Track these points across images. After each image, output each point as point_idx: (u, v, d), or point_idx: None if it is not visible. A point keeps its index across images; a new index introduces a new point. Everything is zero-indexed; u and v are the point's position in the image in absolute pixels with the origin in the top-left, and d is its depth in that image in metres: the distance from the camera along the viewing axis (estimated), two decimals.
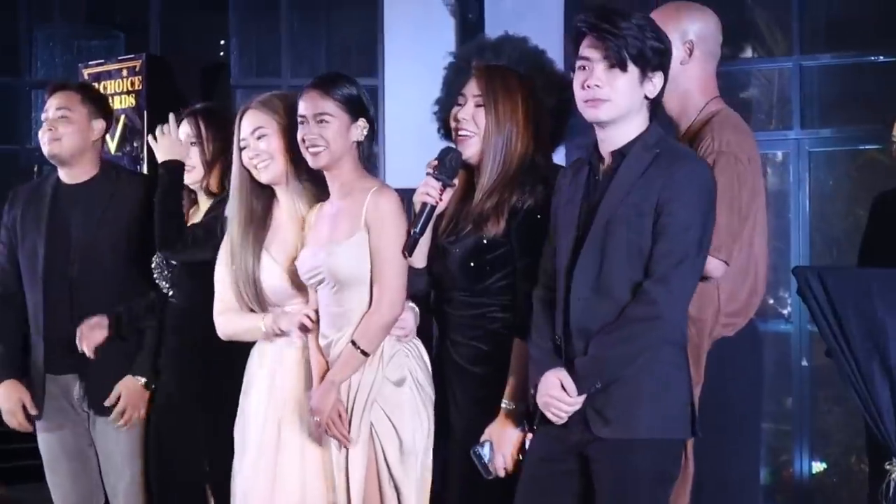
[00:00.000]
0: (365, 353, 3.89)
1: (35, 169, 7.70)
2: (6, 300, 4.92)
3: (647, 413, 3.43)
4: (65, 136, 4.85)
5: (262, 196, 4.22)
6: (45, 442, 4.93)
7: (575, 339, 3.49)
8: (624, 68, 3.44)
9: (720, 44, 4.11)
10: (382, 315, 3.88)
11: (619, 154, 3.52)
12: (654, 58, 3.47)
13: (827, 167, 7.59)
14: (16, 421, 4.86)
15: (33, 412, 4.83)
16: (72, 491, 4.92)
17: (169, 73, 6.41)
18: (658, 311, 3.38)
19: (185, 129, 4.72)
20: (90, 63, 6.46)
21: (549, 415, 3.49)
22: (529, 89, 3.94)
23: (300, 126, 3.99)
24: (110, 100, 6.13)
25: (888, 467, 3.69)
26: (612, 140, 3.54)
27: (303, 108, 3.98)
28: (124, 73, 6.16)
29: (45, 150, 4.90)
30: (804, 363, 7.28)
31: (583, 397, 3.44)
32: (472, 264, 3.84)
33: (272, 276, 4.14)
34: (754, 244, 3.95)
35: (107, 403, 4.72)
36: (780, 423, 7.58)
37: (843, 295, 3.58)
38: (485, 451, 3.77)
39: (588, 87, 3.48)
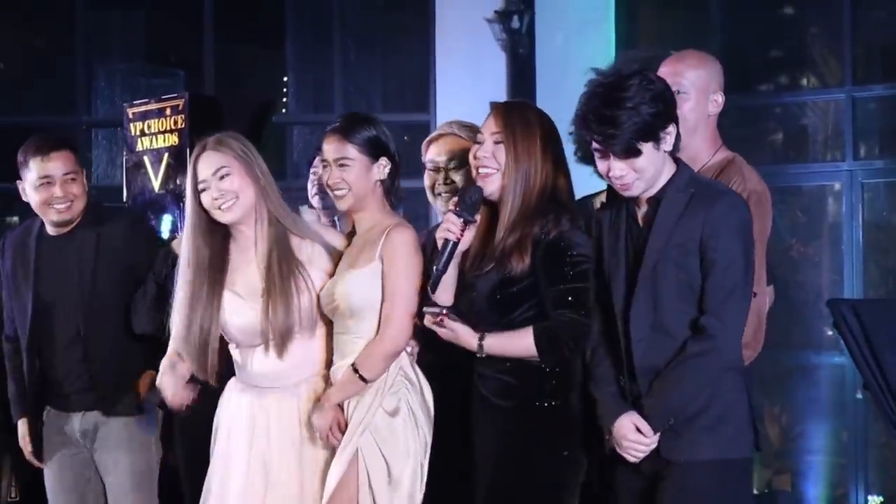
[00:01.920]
0: (363, 380, 3.93)
1: None
2: (17, 343, 4.90)
3: (712, 436, 3.54)
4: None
5: (216, 239, 4.15)
6: (47, 476, 4.93)
7: (640, 378, 3.59)
8: (637, 153, 3.51)
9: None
10: (385, 344, 3.93)
11: (655, 200, 3.61)
12: (659, 121, 3.52)
13: (881, 198, 7.55)
14: (27, 454, 4.91)
15: (28, 450, 4.88)
16: None
17: (213, 111, 6.46)
18: (716, 344, 3.50)
19: None
20: (135, 102, 6.53)
21: (627, 457, 3.60)
22: (549, 124, 3.96)
23: (324, 170, 4.10)
24: (152, 139, 6.18)
25: None
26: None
27: (325, 152, 4.07)
28: (167, 111, 6.21)
29: None
30: (858, 395, 7.21)
31: (658, 435, 3.55)
32: (497, 296, 3.85)
33: (239, 315, 4.09)
34: (761, 279, 3.99)
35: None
36: (836, 456, 7.52)
37: (878, 327, 3.59)
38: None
39: (610, 177, 3.59)
